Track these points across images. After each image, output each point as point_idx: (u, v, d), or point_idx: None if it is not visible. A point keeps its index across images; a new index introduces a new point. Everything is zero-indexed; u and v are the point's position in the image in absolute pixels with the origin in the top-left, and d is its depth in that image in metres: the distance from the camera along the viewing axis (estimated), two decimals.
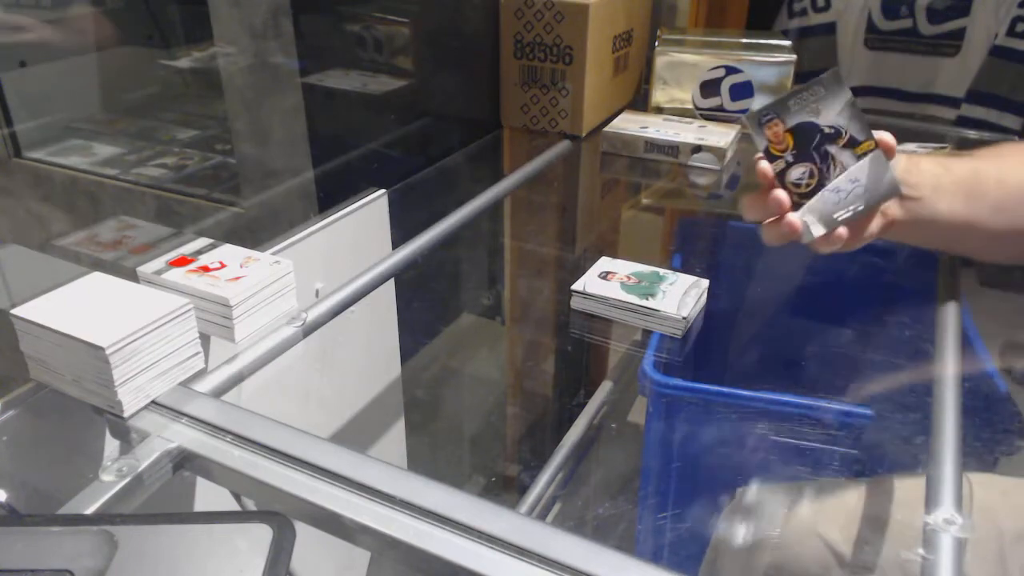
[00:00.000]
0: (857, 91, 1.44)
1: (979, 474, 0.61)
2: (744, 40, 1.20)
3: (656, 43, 1.22)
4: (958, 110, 1.35)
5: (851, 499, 0.65)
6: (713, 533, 0.70)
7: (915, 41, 1.35)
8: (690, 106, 1.21)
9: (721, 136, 1.11)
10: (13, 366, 0.54)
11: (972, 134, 1.21)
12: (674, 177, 1.08)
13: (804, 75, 1.43)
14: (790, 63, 1.15)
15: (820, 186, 0.57)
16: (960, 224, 0.60)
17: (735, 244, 1.07)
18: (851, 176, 0.57)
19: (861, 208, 0.57)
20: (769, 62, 1.16)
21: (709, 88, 1.19)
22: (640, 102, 1.31)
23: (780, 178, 0.58)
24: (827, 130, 0.57)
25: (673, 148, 1.09)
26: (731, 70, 1.17)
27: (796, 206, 0.57)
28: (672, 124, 1.16)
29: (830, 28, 1.41)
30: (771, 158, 0.57)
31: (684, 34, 1.30)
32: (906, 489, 0.63)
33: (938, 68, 1.35)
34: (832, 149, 0.57)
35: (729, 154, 1.10)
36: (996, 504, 0.56)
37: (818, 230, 0.57)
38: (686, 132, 1.12)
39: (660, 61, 1.21)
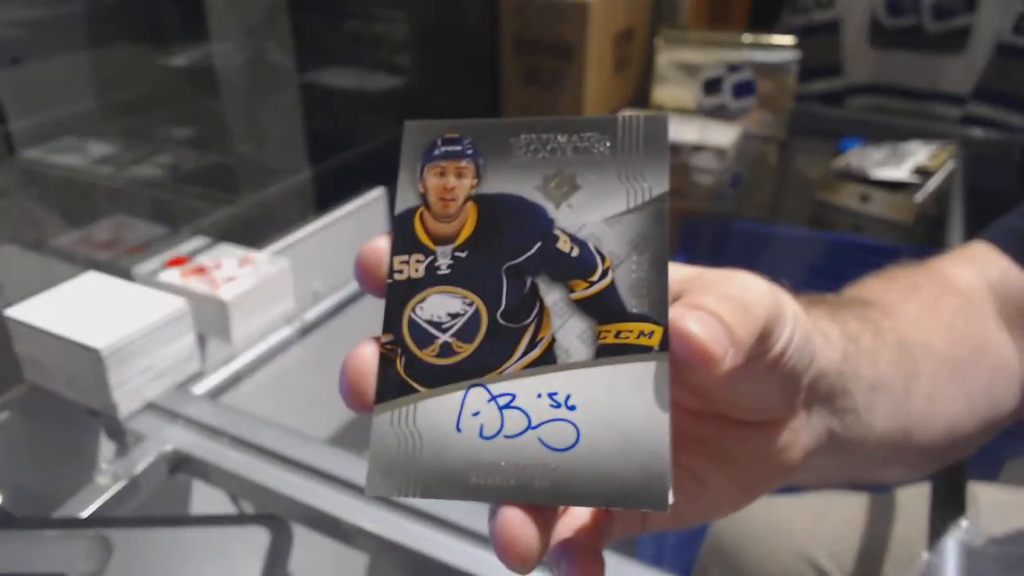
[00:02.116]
0: (862, 89, 1.44)
1: (983, 485, 0.60)
2: (747, 38, 1.19)
3: (658, 41, 1.21)
4: (964, 108, 1.34)
5: (845, 515, 0.64)
6: (702, 548, 0.69)
7: (920, 38, 1.34)
8: (692, 104, 1.21)
9: (723, 135, 1.10)
10: (7, 367, 0.54)
11: (978, 132, 1.21)
12: (676, 176, 1.07)
13: (807, 73, 1.43)
14: (794, 61, 1.14)
15: (474, 366, 0.21)
16: (896, 438, 0.33)
17: (737, 243, 1.06)
18: (551, 387, 0.20)
19: (543, 486, 0.19)
20: (772, 60, 1.15)
21: (711, 86, 1.19)
22: (641, 100, 1.31)
23: (398, 296, 0.22)
24: (560, 240, 0.21)
25: (675, 147, 1.09)
26: (733, 68, 1.17)
27: (391, 385, 0.21)
28: (674, 123, 1.15)
29: (834, 26, 1.40)
30: (405, 244, 0.22)
31: (686, 32, 1.29)
32: (906, 501, 0.62)
33: (944, 66, 1.34)
34: (550, 292, 0.21)
35: (732, 153, 1.09)
36: (1001, 512, 0.56)
37: (404, 484, 0.20)
38: (688, 131, 1.12)
39: (662, 59, 1.20)
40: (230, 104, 0.77)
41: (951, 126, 1.27)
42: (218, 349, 0.61)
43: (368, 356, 0.21)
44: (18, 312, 0.52)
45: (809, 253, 1.02)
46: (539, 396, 0.20)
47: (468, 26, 1.13)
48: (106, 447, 0.53)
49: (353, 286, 0.72)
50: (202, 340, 0.59)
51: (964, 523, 0.45)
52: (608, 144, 0.22)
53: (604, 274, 0.21)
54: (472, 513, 0.44)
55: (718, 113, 1.20)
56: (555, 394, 0.20)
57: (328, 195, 0.84)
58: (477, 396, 0.20)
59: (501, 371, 0.21)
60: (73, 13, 0.66)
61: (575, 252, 0.21)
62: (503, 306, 0.21)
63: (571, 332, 0.21)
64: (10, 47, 0.60)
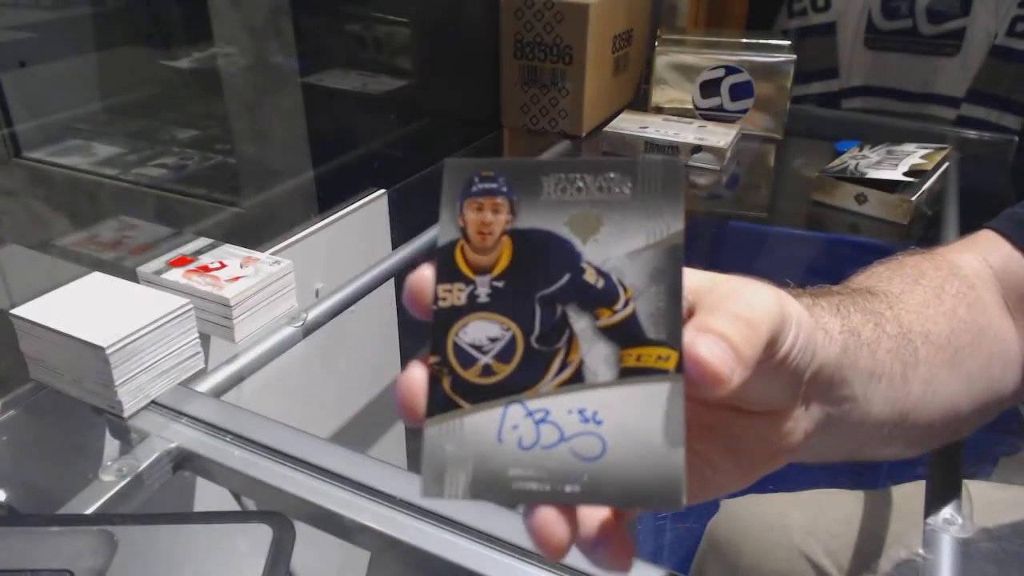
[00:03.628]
0: (857, 91, 1.45)
1: (977, 482, 0.60)
2: (744, 40, 1.20)
3: (656, 43, 1.22)
4: (958, 110, 1.35)
5: (841, 512, 0.64)
6: (699, 545, 0.70)
7: (915, 41, 1.35)
8: (690, 106, 1.21)
9: (721, 136, 1.11)
10: (13, 366, 0.54)
11: (972, 134, 1.21)
12: None
13: (804, 75, 1.44)
14: (790, 63, 1.15)
15: (512, 385, 0.23)
16: (892, 420, 0.35)
17: (734, 244, 1.07)
18: (581, 404, 0.23)
19: (575, 491, 0.22)
20: (769, 62, 1.16)
21: (709, 88, 1.19)
22: (640, 102, 1.31)
23: (443, 321, 0.24)
24: (587, 272, 0.24)
25: (673, 148, 1.09)
26: (731, 70, 1.17)
27: (439, 401, 0.23)
28: (672, 124, 1.16)
29: (830, 28, 1.41)
30: (448, 274, 0.24)
31: (684, 34, 1.29)
32: (902, 498, 0.63)
33: (938, 68, 1.35)
34: (578, 319, 0.24)
35: (729, 154, 1.10)
36: (995, 509, 0.56)
37: (454, 488, 0.23)
38: (686, 132, 1.12)
39: (660, 61, 1.21)
40: (233, 106, 0.78)
41: (946, 127, 1.28)
42: (221, 348, 0.61)
43: (418, 377, 0.23)
44: (24, 311, 0.52)
45: (806, 253, 1.02)
46: (570, 412, 0.23)
47: (468, 28, 1.13)
48: (111, 445, 0.54)
49: (355, 286, 0.72)
50: (205, 339, 0.59)
51: (959, 520, 0.45)
52: (629, 185, 0.24)
53: (626, 304, 0.23)
54: (473, 511, 0.44)
55: (715, 114, 1.20)
56: (584, 410, 0.23)
57: (330, 196, 0.84)
58: (515, 412, 0.23)
59: (536, 390, 0.23)
60: (78, 17, 0.66)
61: (600, 284, 0.24)
62: (536, 331, 0.24)
63: (597, 356, 0.23)
64: (17, 50, 0.60)
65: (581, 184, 0.24)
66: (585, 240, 0.24)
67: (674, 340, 0.23)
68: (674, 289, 0.23)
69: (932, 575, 0.42)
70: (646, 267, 0.24)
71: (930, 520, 0.45)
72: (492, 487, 0.22)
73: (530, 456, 0.22)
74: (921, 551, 0.44)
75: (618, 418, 0.23)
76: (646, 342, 0.23)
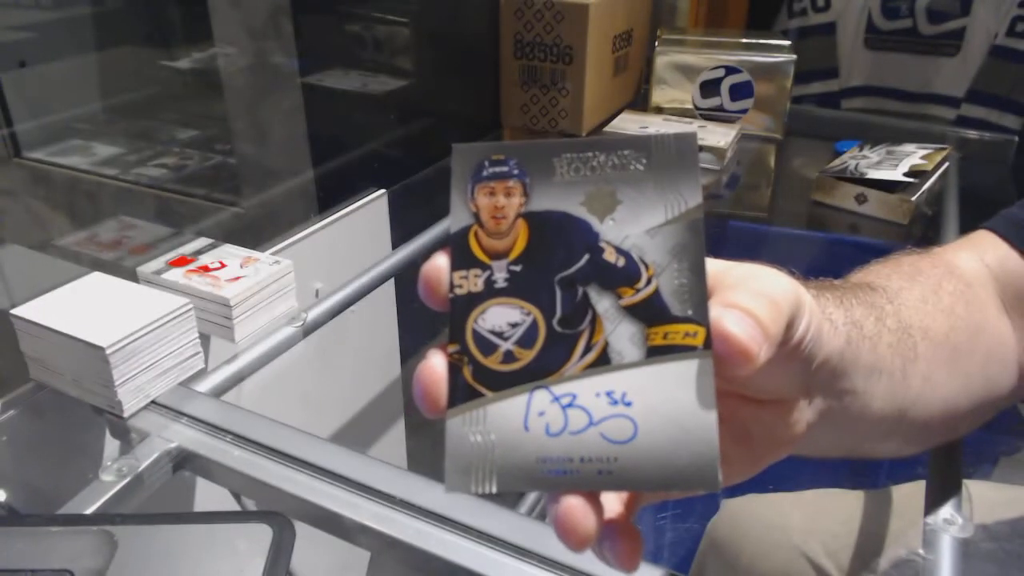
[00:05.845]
0: (857, 91, 1.45)
1: (977, 482, 0.60)
2: (744, 40, 1.20)
3: (656, 43, 1.22)
4: (958, 110, 1.35)
5: (841, 512, 0.64)
6: (700, 545, 0.70)
7: (915, 41, 1.35)
8: (690, 106, 1.21)
9: (721, 136, 1.11)
10: (13, 366, 0.54)
11: (972, 134, 1.21)
12: None
13: (804, 75, 1.44)
14: (790, 63, 1.15)
15: (536, 370, 0.23)
16: (892, 416, 0.35)
17: (734, 244, 1.07)
18: (609, 386, 0.22)
19: (607, 476, 0.21)
20: (769, 62, 1.16)
21: (709, 88, 1.19)
22: (640, 102, 1.31)
23: (461, 309, 0.23)
24: (606, 252, 0.23)
25: None
26: (731, 70, 1.17)
27: (461, 391, 0.23)
28: (672, 124, 1.16)
29: (830, 28, 1.41)
30: (463, 261, 0.24)
31: (684, 34, 1.30)
32: (902, 498, 0.63)
33: (938, 68, 1.35)
34: (600, 299, 0.23)
35: (729, 154, 1.10)
36: (995, 509, 0.56)
37: (481, 480, 0.22)
38: None
39: (660, 61, 1.21)
40: (233, 106, 0.78)
41: (946, 128, 1.28)
42: (221, 348, 0.61)
43: (438, 366, 0.22)
44: (24, 311, 0.52)
45: (805, 253, 1.02)
46: (598, 395, 0.22)
47: (468, 28, 1.13)
48: (111, 444, 0.54)
49: (354, 286, 0.72)
50: (205, 339, 0.59)
51: (959, 519, 0.45)
52: (644, 161, 0.24)
53: (648, 282, 0.23)
54: (473, 511, 0.44)
55: (715, 114, 1.20)
56: (612, 392, 0.22)
57: (330, 196, 0.84)
58: (541, 398, 0.22)
59: (561, 374, 0.22)
60: (78, 17, 0.66)
61: (620, 262, 0.23)
62: (558, 314, 0.23)
63: (622, 335, 0.23)
64: (16, 51, 0.60)
65: (594, 163, 0.24)
66: (602, 219, 0.23)
67: (701, 315, 0.22)
68: (697, 264, 0.23)
69: (932, 575, 0.42)
70: (667, 243, 0.23)
71: (930, 520, 0.45)
72: (520, 477, 0.21)
73: (559, 442, 0.22)
74: (921, 551, 0.44)
75: (648, 398, 0.22)
76: (672, 319, 0.22)
